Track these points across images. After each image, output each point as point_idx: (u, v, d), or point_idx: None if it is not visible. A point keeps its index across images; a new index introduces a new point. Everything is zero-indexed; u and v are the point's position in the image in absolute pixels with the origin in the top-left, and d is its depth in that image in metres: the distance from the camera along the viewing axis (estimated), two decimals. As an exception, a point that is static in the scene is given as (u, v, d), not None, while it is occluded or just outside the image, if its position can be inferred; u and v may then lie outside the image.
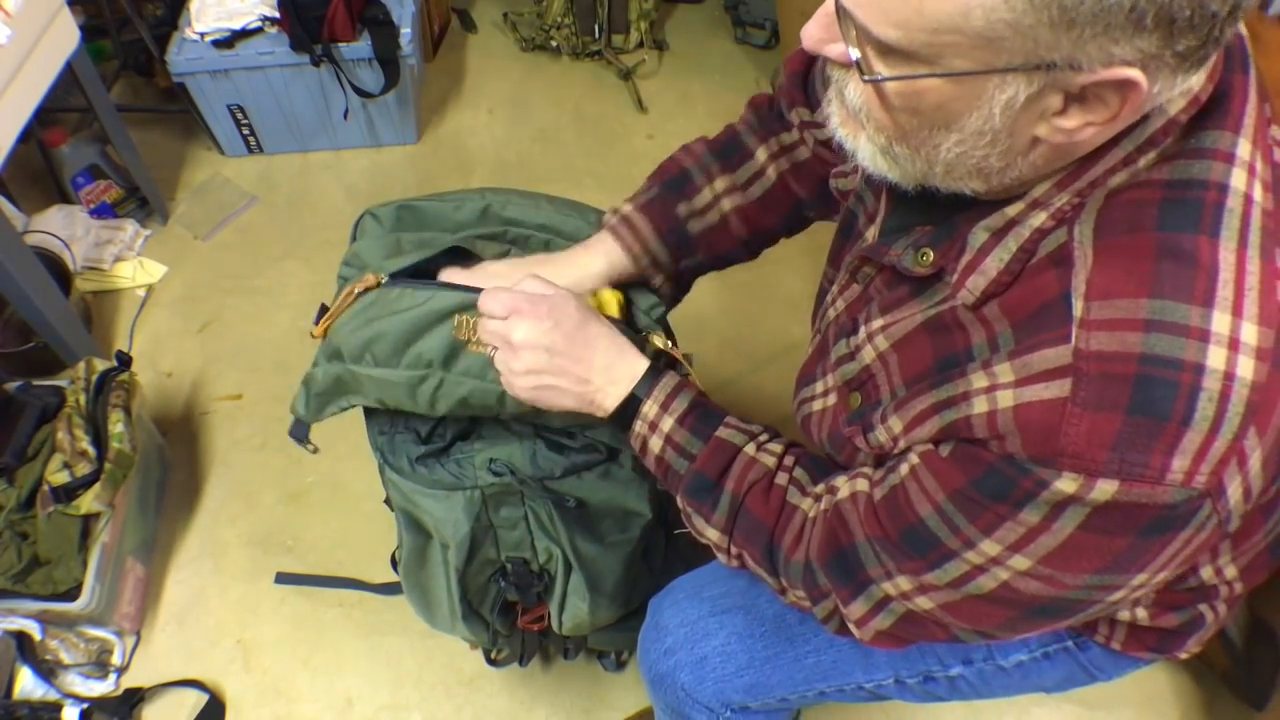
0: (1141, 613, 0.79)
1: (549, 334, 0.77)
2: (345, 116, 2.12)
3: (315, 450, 0.97)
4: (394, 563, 1.27)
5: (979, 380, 0.58)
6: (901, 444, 0.65)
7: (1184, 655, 0.84)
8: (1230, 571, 0.76)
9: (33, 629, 1.35)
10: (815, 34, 0.58)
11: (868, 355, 0.71)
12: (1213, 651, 1.35)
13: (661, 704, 0.96)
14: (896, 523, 0.64)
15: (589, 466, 0.95)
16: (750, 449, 0.78)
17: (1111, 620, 0.82)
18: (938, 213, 0.65)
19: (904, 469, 0.64)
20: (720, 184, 0.92)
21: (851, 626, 0.72)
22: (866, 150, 0.61)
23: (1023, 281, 0.58)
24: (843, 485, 0.71)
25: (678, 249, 0.92)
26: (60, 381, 1.45)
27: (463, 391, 0.87)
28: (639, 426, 0.80)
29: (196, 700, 1.40)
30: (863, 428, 0.70)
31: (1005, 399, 0.55)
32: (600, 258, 0.90)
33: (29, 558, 1.29)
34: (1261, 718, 1.29)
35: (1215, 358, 0.50)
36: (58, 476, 1.31)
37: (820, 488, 0.75)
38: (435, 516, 0.97)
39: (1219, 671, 1.36)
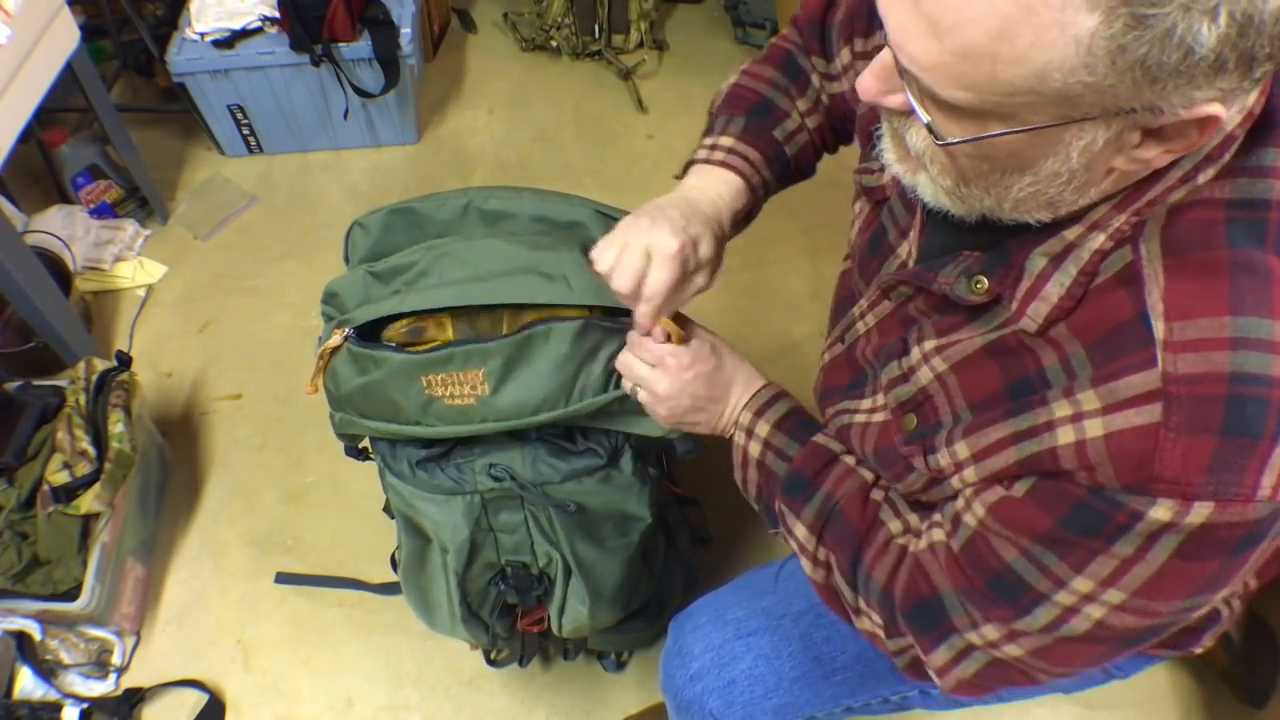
0: None
1: (691, 384, 0.83)
2: (345, 116, 2.12)
3: (380, 470, 1.01)
4: (394, 563, 1.28)
5: (1061, 409, 0.56)
6: (968, 472, 0.64)
7: (1198, 650, 0.84)
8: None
9: (33, 629, 1.35)
10: (873, 87, 0.56)
11: (924, 377, 0.69)
12: (1213, 650, 1.35)
13: None
14: (981, 572, 0.63)
15: (589, 471, 0.95)
16: (849, 459, 0.79)
17: None
18: (983, 234, 0.63)
19: (972, 518, 0.63)
20: (802, 105, 0.92)
21: (932, 674, 0.71)
22: (928, 189, 0.60)
23: (1090, 302, 0.57)
24: (921, 535, 0.71)
25: (781, 175, 0.92)
26: (60, 381, 1.45)
27: (447, 433, 0.91)
28: (738, 437, 0.84)
29: (196, 700, 1.40)
30: (924, 449, 0.68)
31: (1094, 428, 0.54)
32: (722, 187, 0.87)
33: (29, 558, 1.29)
34: (1261, 716, 1.29)
35: None
36: (58, 476, 1.31)
37: (914, 518, 0.74)
38: (435, 521, 0.97)
39: (1219, 670, 1.36)
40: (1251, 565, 0.56)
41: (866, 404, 0.78)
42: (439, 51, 2.49)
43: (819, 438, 0.80)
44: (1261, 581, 0.79)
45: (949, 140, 0.53)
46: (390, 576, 1.40)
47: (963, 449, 0.64)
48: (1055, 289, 0.58)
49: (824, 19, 0.88)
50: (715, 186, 0.87)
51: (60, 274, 1.73)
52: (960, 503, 0.66)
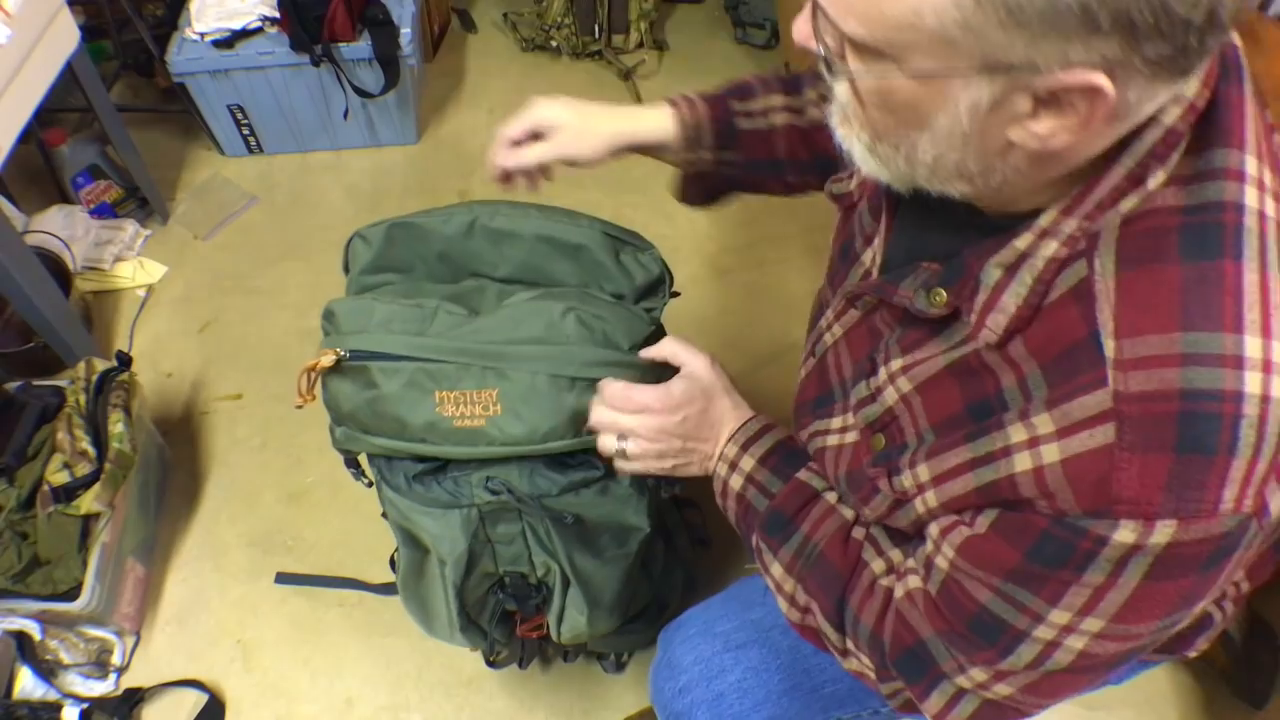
0: None
1: (680, 427, 0.83)
2: (345, 116, 2.12)
3: (370, 484, 1.03)
4: (393, 565, 1.27)
5: (1018, 433, 0.56)
6: (929, 496, 0.64)
7: (1192, 654, 0.84)
8: (1238, 572, 0.76)
9: (33, 629, 1.35)
10: (803, 29, 0.57)
11: (890, 397, 0.69)
12: (1213, 650, 1.34)
13: None
14: (959, 615, 0.63)
15: (587, 484, 0.95)
16: (831, 497, 0.78)
17: None
18: (942, 243, 0.64)
19: (943, 560, 0.64)
20: (777, 99, 0.95)
21: (929, 718, 0.71)
22: (858, 149, 0.60)
23: (1046, 318, 0.57)
24: (897, 584, 0.71)
25: (720, 137, 0.94)
26: (60, 381, 1.45)
27: (453, 454, 0.91)
28: (720, 468, 0.83)
29: (196, 700, 1.40)
30: (888, 471, 0.68)
31: (1051, 453, 0.54)
32: (652, 116, 0.93)
33: (29, 558, 1.29)
34: (1261, 717, 1.29)
35: (1252, 383, 0.50)
36: (58, 476, 1.31)
37: (896, 554, 0.74)
38: (432, 534, 0.96)
39: (1219, 670, 1.36)
40: (1228, 576, 0.56)
41: (837, 423, 0.77)
42: (439, 51, 2.49)
43: (802, 474, 0.80)
44: (1257, 583, 0.79)
45: (842, 71, 0.54)
46: (390, 577, 1.40)
47: (924, 471, 0.64)
48: (1012, 299, 0.58)
49: None
50: (648, 113, 0.93)
51: (60, 274, 1.73)
52: (930, 546, 0.66)
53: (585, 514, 0.96)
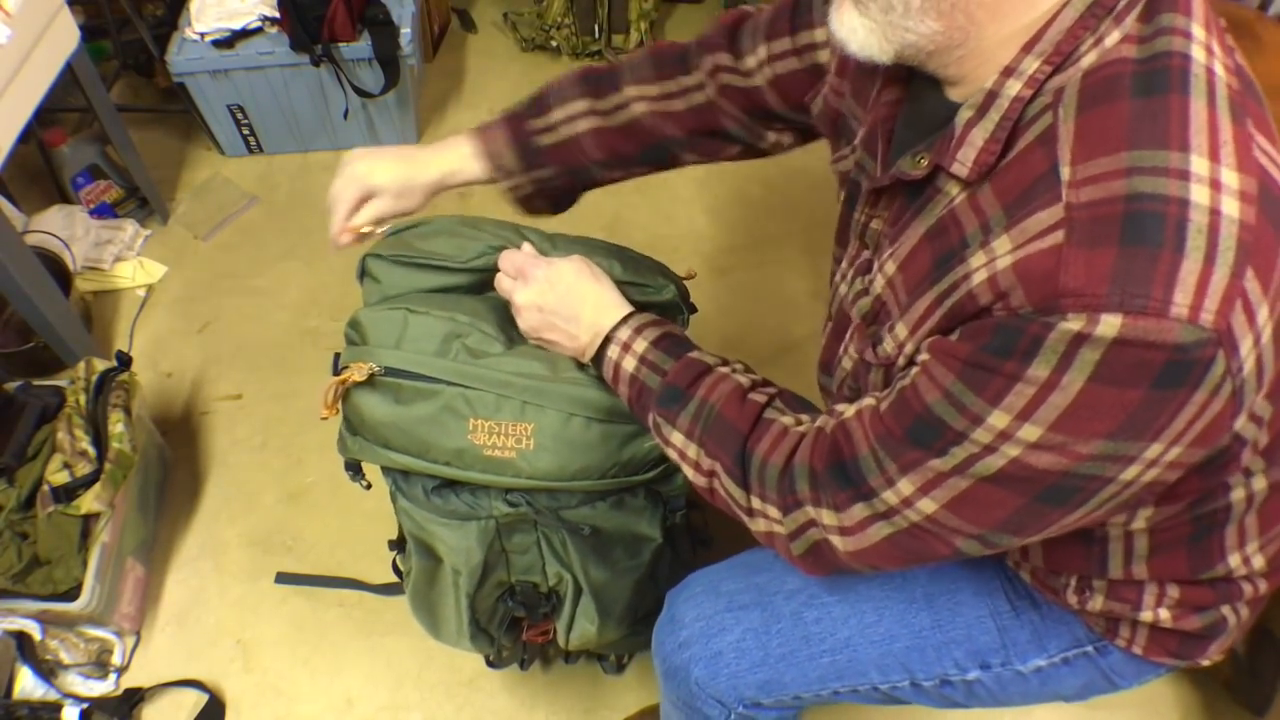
0: (1165, 614, 0.78)
1: (543, 295, 0.89)
2: (345, 116, 2.12)
3: (369, 487, 1.04)
4: (395, 567, 1.27)
5: (978, 260, 0.60)
6: (908, 348, 0.67)
7: (1206, 662, 0.83)
8: (1258, 561, 0.76)
9: (33, 629, 1.35)
10: None
11: (878, 285, 0.73)
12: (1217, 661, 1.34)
13: (673, 696, 0.96)
14: (903, 419, 0.64)
15: (603, 496, 0.95)
16: (724, 369, 0.82)
17: (1133, 623, 0.81)
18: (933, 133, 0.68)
19: (914, 371, 0.65)
20: (578, 105, 0.99)
21: (836, 540, 0.70)
22: (849, 20, 0.65)
23: (1014, 165, 0.60)
24: (849, 407, 0.72)
25: (524, 159, 1.00)
26: (60, 381, 1.45)
27: (478, 479, 0.92)
28: (611, 350, 0.86)
29: (196, 700, 1.40)
30: (872, 343, 0.72)
31: (1005, 261, 0.57)
32: (459, 156, 1.00)
33: (29, 558, 1.29)
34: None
35: (1198, 194, 0.52)
36: (58, 476, 1.31)
37: (805, 417, 0.76)
38: (448, 545, 0.96)
39: (1222, 678, 1.36)
40: (1188, 421, 0.55)
41: (846, 362, 0.81)
42: (439, 51, 2.49)
43: (694, 354, 0.83)
44: (1272, 587, 0.79)
45: None
46: (390, 577, 1.40)
47: (901, 329, 0.68)
48: (980, 134, 0.62)
49: (737, 26, 0.96)
50: (445, 153, 1.00)
51: (60, 274, 1.73)
52: (909, 368, 0.68)
53: (601, 525, 0.97)
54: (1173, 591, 0.77)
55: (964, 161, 0.62)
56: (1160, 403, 0.54)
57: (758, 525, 0.77)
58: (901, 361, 0.68)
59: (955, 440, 0.60)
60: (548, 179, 1.01)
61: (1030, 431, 0.57)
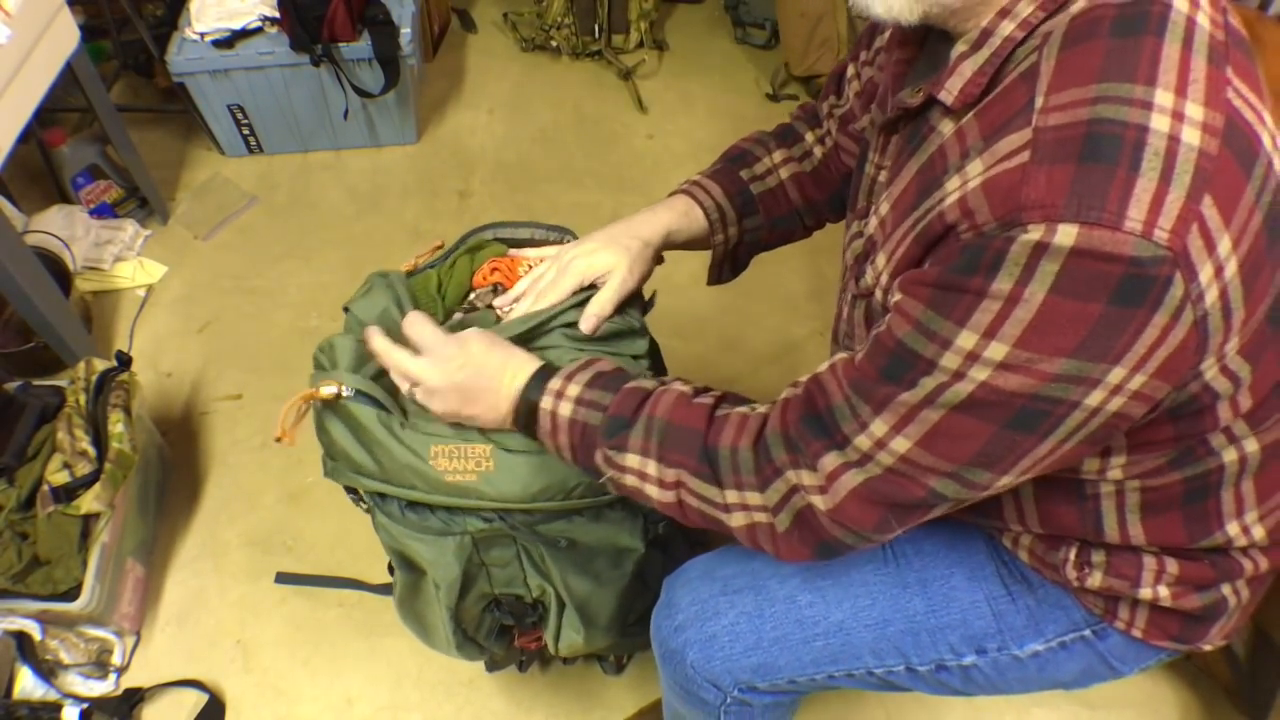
0: (1164, 591, 0.78)
1: (459, 371, 0.86)
2: (345, 116, 2.12)
3: (369, 509, 1.02)
4: (390, 568, 1.27)
5: (953, 184, 0.62)
6: (884, 278, 0.70)
7: (1208, 647, 0.83)
8: (1258, 532, 0.75)
9: (33, 629, 1.35)
10: None
11: (872, 225, 0.75)
12: (1215, 663, 1.34)
13: (670, 679, 0.96)
14: (876, 360, 0.66)
15: (580, 510, 0.95)
16: (662, 387, 0.81)
17: (1132, 602, 0.81)
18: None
19: (888, 316, 0.66)
20: (777, 155, 1.06)
21: (817, 500, 0.70)
22: None
23: (999, 99, 0.63)
24: (823, 364, 0.73)
25: (742, 208, 1.04)
26: (60, 381, 1.45)
27: (445, 502, 0.92)
28: (545, 402, 0.83)
29: (196, 700, 1.40)
30: (856, 276, 0.74)
31: (975, 183, 0.60)
32: (675, 211, 1.01)
33: (29, 558, 1.29)
34: (1260, 720, 1.29)
35: (1158, 122, 0.55)
36: (58, 476, 1.31)
37: (786, 390, 0.77)
38: (426, 559, 0.97)
39: (1221, 684, 1.36)
40: (1149, 345, 0.56)
41: (846, 325, 0.84)
42: (439, 51, 2.49)
43: (631, 383, 0.82)
44: (1273, 564, 0.78)
45: None
46: (390, 577, 1.40)
47: (881, 258, 0.71)
48: (970, 66, 0.65)
49: (842, 71, 1.02)
50: (669, 210, 1.01)
51: (60, 274, 1.73)
52: (882, 303, 0.70)
53: (579, 538, 0.96)
54: (1172, 567, 0.77)
55: (951, 90, 0.66)
56: (1120, 321, 0.56)
57: (737, 520, 0.76)
58: (879, 295, 0.71)
59: (925, 370, 0.62)
60: (753, 229, 1.05)
61: (997, 350, 0.58)
